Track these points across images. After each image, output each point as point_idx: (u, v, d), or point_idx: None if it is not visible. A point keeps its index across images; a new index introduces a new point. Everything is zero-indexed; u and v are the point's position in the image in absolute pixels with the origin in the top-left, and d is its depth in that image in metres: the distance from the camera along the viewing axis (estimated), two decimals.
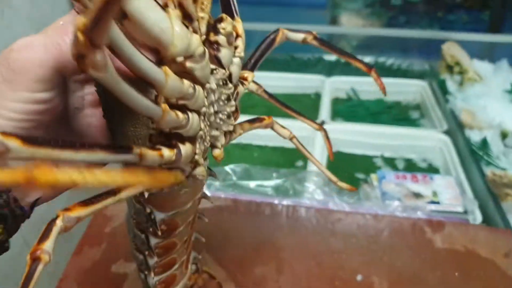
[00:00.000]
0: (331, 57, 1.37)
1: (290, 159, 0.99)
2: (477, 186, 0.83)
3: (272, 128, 0.44)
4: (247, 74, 0.36)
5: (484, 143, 0.94)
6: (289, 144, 1.02)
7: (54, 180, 0.17)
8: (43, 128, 0.31)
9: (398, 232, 0.64)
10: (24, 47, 0.29)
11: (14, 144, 0.21)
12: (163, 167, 0.30)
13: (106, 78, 0.21)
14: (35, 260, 0.22)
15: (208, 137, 0.32)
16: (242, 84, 0.35)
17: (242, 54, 0.32)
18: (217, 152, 0.34)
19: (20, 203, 0.31)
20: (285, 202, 0.68)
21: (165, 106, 0.26)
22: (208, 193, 0.72)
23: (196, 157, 0.31)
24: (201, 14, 0.28)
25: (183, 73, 0.27)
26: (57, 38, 0.29)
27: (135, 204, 0.37)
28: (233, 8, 0.33)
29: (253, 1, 1.72)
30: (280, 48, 1.34)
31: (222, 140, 0.34)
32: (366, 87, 1.22)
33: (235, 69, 0.32)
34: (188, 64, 0.26)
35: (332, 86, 1.21)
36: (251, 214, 0.66)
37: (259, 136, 1.04)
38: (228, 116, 0.33)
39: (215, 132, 0.33)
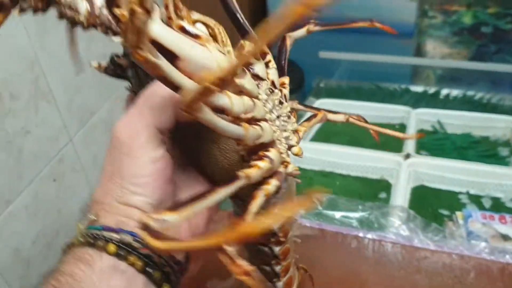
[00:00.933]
0: (418, 88, 1.37)
1: (373, 190, 1.00)
2: None
3: (327, 119, 0.47)
4: (282, 79, 0.41)
5: None
6: (372, 175, 1.04)
7: (254, 230, 0.21)
8: (171, 181, 0.36)
9: (485, 275, 0.64)
10: (124, 120, 0.34)
11: (170, 216, 0.27)
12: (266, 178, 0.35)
13: (205, 115, 0.26)
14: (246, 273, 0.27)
15: (283, 140, 0.37)
16: (284, 87, 0.40)
17: (275, 65, 0.38)
18: (295, 150, 0.38)
19: (176, 258, 0.35)
20: (370, 235, 0.70)
21: (244, 123, 0.31)
22: None
23: (283, 155, 0.36)
24: (226, 49, 0.34)
25: (238, 92, 0.31)
26: (145, 103, 0.34)
27: None
28: (248, 31, 0.38)
29: (338, 29, 1.75)
30: (365, 77, 1.36)
31: (294, 138, 0.39)
32: (453, 120, 1.21)
33: (274, 76, 0.37)
34: (237, 80, 0.31)
35: (418, 118, 1.21)
36: (337, 245, 0.68)
37: (342, 165, 1.06)
38: (288, 117, 0.38)
39: (285, 134, 0.37)
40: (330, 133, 1.23)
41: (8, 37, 0.78)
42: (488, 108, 1.27)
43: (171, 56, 0.28)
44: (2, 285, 0.78)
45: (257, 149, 0.34)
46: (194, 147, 0.38)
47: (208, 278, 0.62)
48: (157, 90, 0.34)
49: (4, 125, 0.77)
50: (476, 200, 0.96)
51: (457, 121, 1.20)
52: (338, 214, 0.78)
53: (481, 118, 1.19)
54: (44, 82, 0.89)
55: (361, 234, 0.70)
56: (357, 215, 0.78)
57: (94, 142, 1.08)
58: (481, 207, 0.94)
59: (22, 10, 0.29)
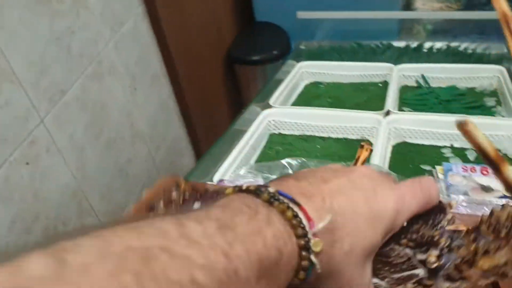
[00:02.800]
0: (400, 43, 1.33)
1: (354, 151, 0.96)
2: None
3: None
4: None
5: None
6: (352, 136, 1.01)
7: None
8: None
9: None
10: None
11: None
12: None
13: None
14: None
15: None
16: None
17: None
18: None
19: None
20: None
21: None
22: None
23: None
24: None
25: None
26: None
27: None
28: None
29: None
30: (351, 37, 1.31)
31: None
32: (437, 73, 1.17)
33: None
34: None
35: (401, 74, 1.17)
36: None
37: (323, 128, 1.03)
38: None
39: None
40: (311, 96, 1.20)
41: None
42: (474, 58, 1.23)
43: None
44: None
45: None
46: None
47: None
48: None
49: None
50: (460, 153, 0.93)
51: (442, 74, 1.16)
52: None
53: (466, 69, 1.15)
54: (4, 61, 0.86)
55: None
56: None
57: (69, 121, 1.05)
58: (465, 160, 0.91)
59: None
